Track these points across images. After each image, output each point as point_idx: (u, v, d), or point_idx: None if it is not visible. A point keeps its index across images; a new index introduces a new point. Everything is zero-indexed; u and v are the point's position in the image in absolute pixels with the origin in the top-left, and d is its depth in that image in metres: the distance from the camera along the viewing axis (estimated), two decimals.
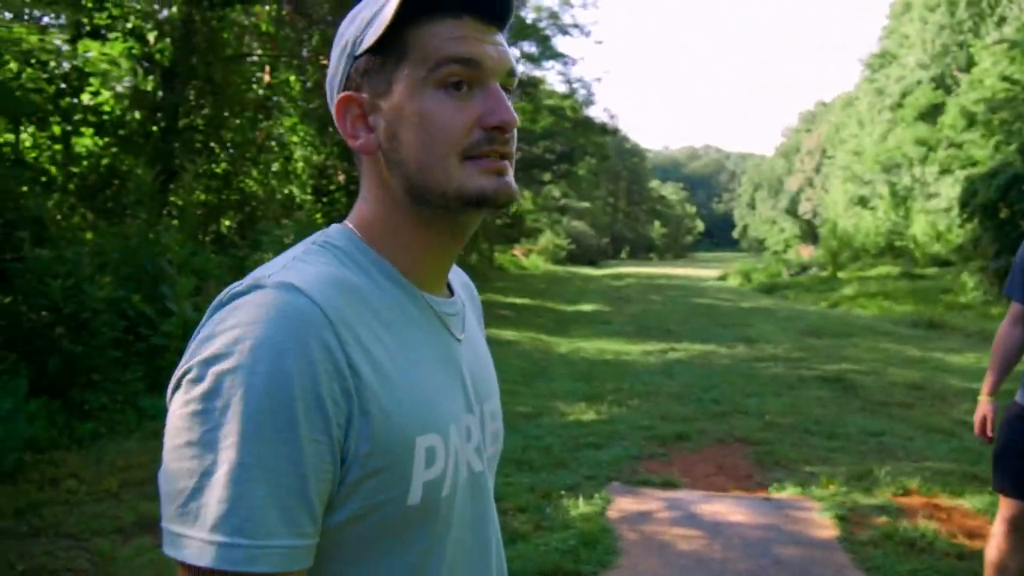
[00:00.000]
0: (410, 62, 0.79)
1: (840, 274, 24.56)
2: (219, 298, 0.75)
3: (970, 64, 25.47)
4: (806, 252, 38.86)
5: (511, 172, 0.82)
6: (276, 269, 0.76)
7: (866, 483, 4.74)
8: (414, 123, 0.79)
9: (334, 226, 0.86)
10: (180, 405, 0.70)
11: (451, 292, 0.93)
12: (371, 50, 0.80)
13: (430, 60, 0.78)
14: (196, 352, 0.71)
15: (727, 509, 4.33)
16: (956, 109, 22.46)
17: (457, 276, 0.99)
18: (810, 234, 52.75)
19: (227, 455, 0.67)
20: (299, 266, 0.77)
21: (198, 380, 0.69)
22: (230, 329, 0.70)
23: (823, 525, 4.10)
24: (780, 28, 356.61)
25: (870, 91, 36.71)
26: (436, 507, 0.79)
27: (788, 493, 4.62)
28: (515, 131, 0.83)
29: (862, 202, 34.75)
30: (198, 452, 0.68)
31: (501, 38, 0.84)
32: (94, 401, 5.42)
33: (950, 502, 4.46)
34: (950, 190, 23.20)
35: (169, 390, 0.74)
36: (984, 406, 2.81)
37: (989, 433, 2.77)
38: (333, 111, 0.84)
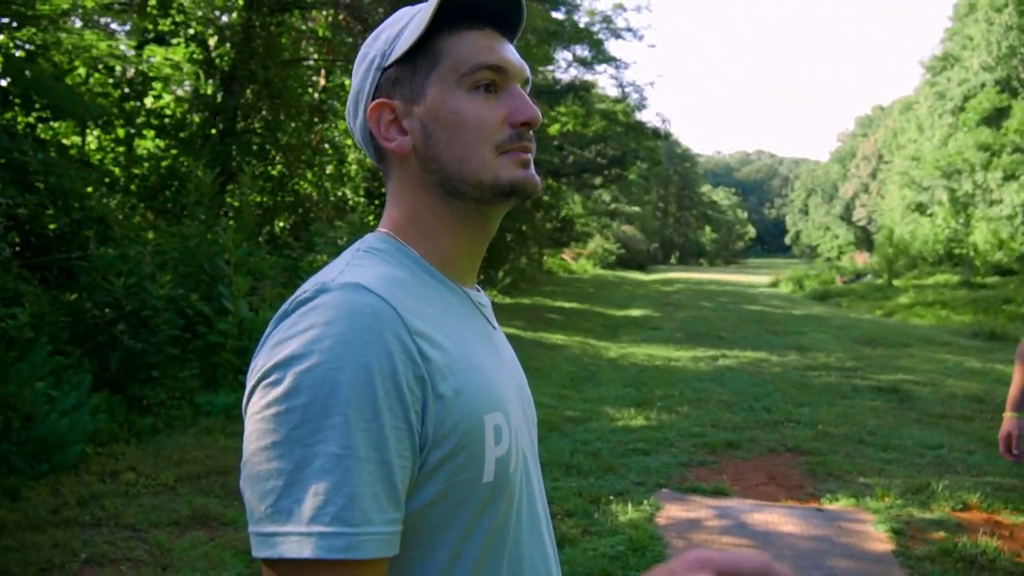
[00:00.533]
0: (442, 68, 0.86)
1: (896, 282, 24.01)
2: (284, 308, 0.78)
3: None
4: (860, 259, 38.07)
5: (532, 165, 0.90)
6: (335, 274, 0.80)
7: (923, 497, 4.62)
8: (451, 122, 0.86)
9: (370, 234, 0.91)
10: (261, 408, 0.72)
11: (477, 286, 0.99)
12: (400, 60, 0.87)
13: (463, 66, 0.86)
14: (271, 356, 0.73)
15: (778, 519, 4.26)
16: (1022, 113, 21.77)
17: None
18: (865, 241, 51.67)
19: (318, 449, 0.69)
20: (355, 269, 0.81)
21: (278, 382, 0.71)
22: (305, 331, 0.73)
23: (878, 539, 4.01)
24: (836, 31, 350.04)
25: (931, 95, 35.75)
26: (506, 483, 0.82)
27: (841, 505, 4.53)
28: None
29: (920, 208, 33.87)
30: (286, 450, 0.69)
31: (514, 50, 0.92)
32: (153, 396, 5.57)
33: (1013, 519, 4.32)
34: (1014, 196, 22.51)
35: (244, 399, 0.76)
36: (1009, 423, 2.67)
37: (1015, 451, 2.66)
38: (359, 122, 0.91)
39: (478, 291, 0.96)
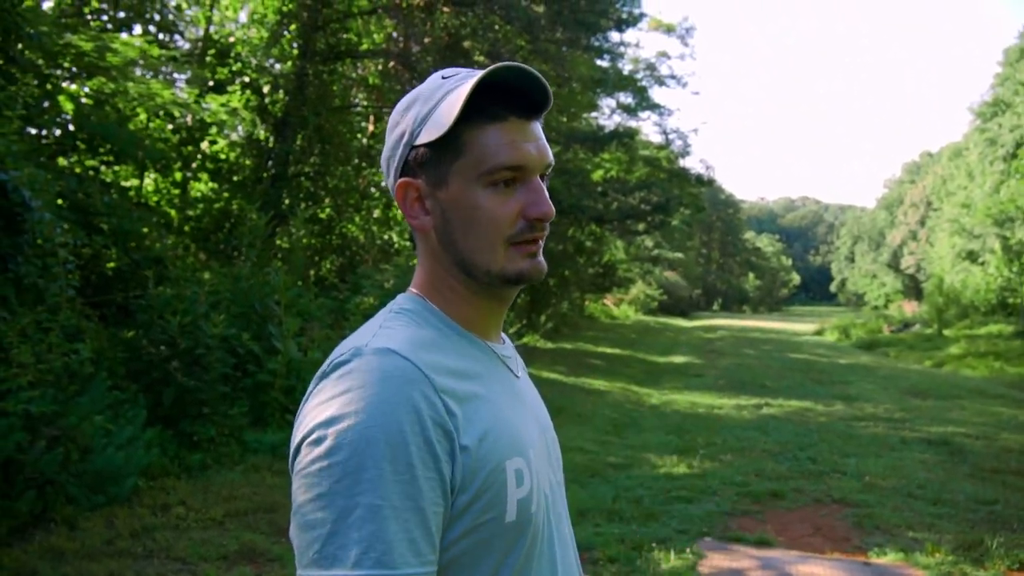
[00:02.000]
0: (464, 161, 0.92)
1: (946, 332, 23.47)
2: (323, 368, 0.88)
3: None
4: (909, 308, 37.31)
5: (541, 251, 0.96)
6: (369, 337, 0.89)
7: (976, 553, 4.51)
8: (468, 215, 0.93)
9: (401, 295, 1.00)
10: (306, 465, 0.81)
11: (503, 340, 1.06)
12: (428, 144, 0.93)
13: (483, 165, 0.91)
14: (314, 417, 0.82)
15: (824, 571, 4.19)
16: None
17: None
18: (913, 289, 50.67)
19: (358, 500, 0.77)
20: (387, 332, 0.90)
21: (321, 440, 0.80)
22: (343, 393, 0.82)
23: None
24: (881, 77, 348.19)
25: (981, 141, 35.22)
26: (528, 522, 0.89)
27: (890, 559, 4.43)
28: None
29: (971, 257, 33.16)
30: (330, 501, 0.78)
31: (539, 129, 0.96)
32: (203, 433, 5.70)
33: None
34: None
35: (290, 457, 0.85)
36: None
37: None
38: (392, 188, 0.98)
39: (503, 343, 1.04)
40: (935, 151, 61.22)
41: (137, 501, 4.64)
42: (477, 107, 0.91)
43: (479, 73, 0.90)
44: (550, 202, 0.94)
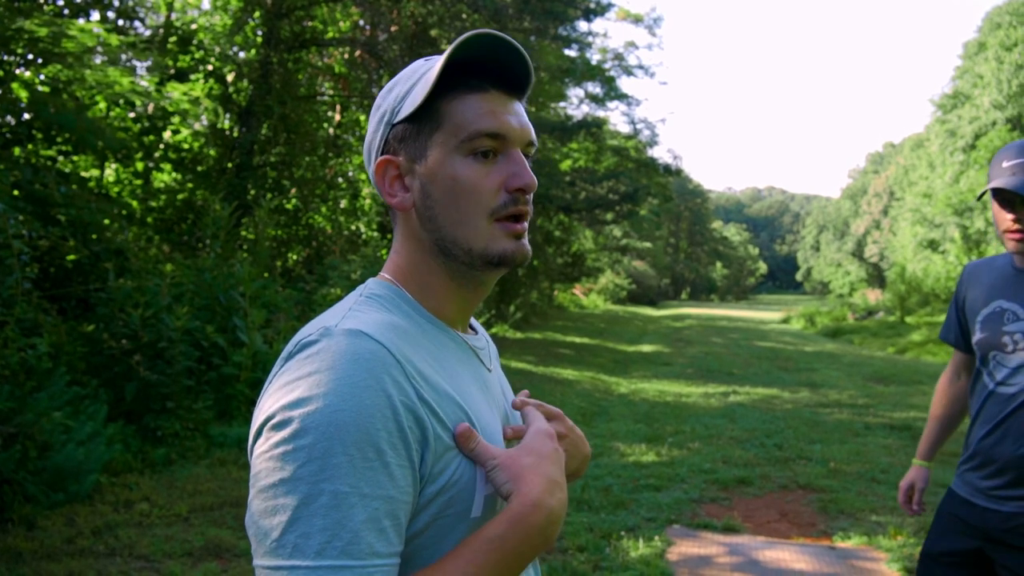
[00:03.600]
0: (443, 131, 0.90)
1: (908, 319, 23.88)
2: (288, 348, 0.83)
3: None
4: (872, 296, 37.91)
5: (526, 234, 0.93)
6: (339, 318, 0.84)
7: None
8: (448, 185, 0.89)
9: (372, 279, 0.96)
10: (267, 449, 0.76)
11: (474, 330, 1.03)
12: (407, 119, 0.91)
13: (462, 132, 0.89)
14: (278, 399, 0.78)
15: (790, 556, 4.24)
16: None
17: (478, 325, 1.09)
18: (877, 278, 51.52)
19: (324, 487, 0.73)
20: (356, 315, 0.85)
21: (285, 423, 0.76)
22: (310, 375, 0.77)
23: None
24: (846, 69, 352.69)
25: (941, 132, 35.85)
26: (492, 517, 0.85)
27: (854, 542, 4.50)
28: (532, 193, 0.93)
29: (932, 245, 33.80)
30: (293, 487, 0.73)
31: (521, 108, 0.95)
32: (167, 427, 5.61)
33: None
34: None
35: (250, 440, 0.81)
36: (914, 472, 2.34)
37: (915, 506, 2.32)
38: (372, 172, 0.95)
39: (476, 334, 1.01)
40: (898, 142, 62.30)
41: (99, 498, 4.56)
42: (458, 81, 0.89)
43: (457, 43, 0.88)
44: (532, 174, 0.91)
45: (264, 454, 0.76)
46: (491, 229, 0.90)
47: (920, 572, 2.14)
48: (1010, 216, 1.91)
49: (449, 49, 0.87)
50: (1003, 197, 1.92)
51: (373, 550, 0.73)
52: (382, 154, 0.93)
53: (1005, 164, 1.90)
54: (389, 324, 0.85)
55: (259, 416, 0.79)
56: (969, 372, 2.25)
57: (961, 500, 2.07)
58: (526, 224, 0.92)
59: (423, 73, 0.91)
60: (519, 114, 0.93)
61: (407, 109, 0.90)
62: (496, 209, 0.89)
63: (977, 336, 2.05)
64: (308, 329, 0.84)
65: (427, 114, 0.90)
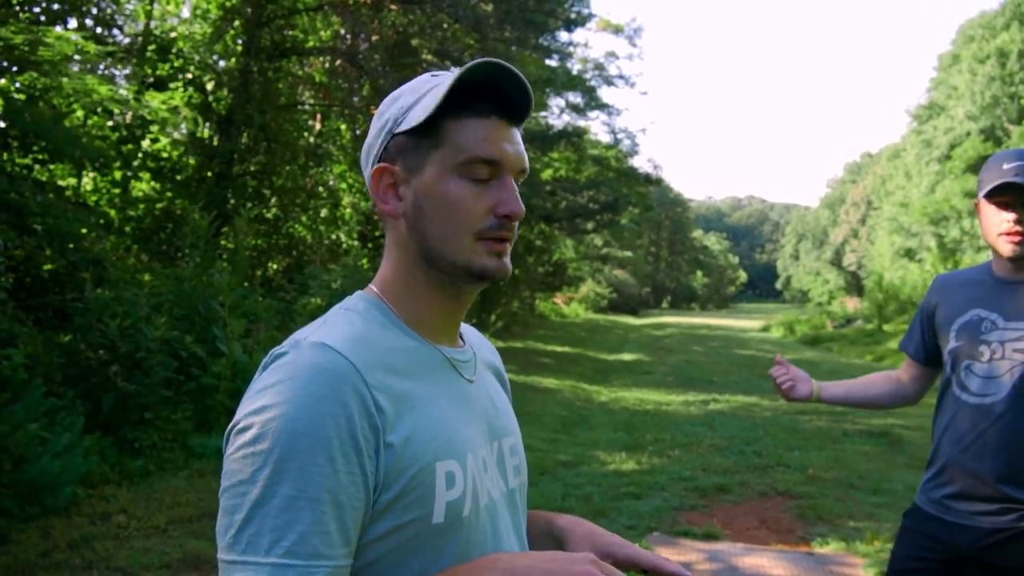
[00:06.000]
0: (442, 150, 0.93)
1: (886, 327, 24.13)
2: (265, 360, 0.89)
3: (1021, 116, 25.18)
4: (851, 304, 38.23)
5: (508, 253, 0.98)
6: (309, 333, 0.90)
7: None
8: (440, 202, 0.93)
9: (357, 293, 1.00)
10: (232, 451, 0.82)
11: (462, 342, 1.05)
12: (409, 132, 0.94)
13: (461, 155, 0.93)
14: (246, 406, 0.84)
15: (768, 563, 4.27)
16: None
17: (478, 337, 1.15)
18: (855, 286, 51.95)
19: (275, 490, 0.78)
20: (327, 328, 0.90)
21: (247, 429, 0.82)
22: (274, 384, 0.83)
23: None
24: (824, 79, 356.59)
25: (917, 143, 36.34)
26: (458, 525, 0.89)
27: (831, 548, 4.54)
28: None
29: (909, 254, 34.21)
30: (248, 488, 0.79)
31: (518, 136, 0.98)
32: (145, 439, 5.56)
33: None
34: None
35: (224, 444, 0.86)
36: (801, 375, 2.26)
37: (786, 388, 2.22)
38: (368, 176, 0.99)
39: (461, 346, 1.03)
40: (875, 152, 62.95)
41: (75, 511, 4.50)
42: (461, 103, 0.92)
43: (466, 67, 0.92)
44: (521, 203, 0.96)
45: (229, 456, 0.82)
46: (474, 245, 0.94)
47: None
48: (1011, 216, 1.88)
49: (459, 72, 0.91)
50: (1002, 199, 1.90)
51: (317, 552, 0.78)
52: (379, 161, 0.97)
53: (1006, 166, 1.88)
54: (357, 337, 0.89)
55: (232, 422, 0.85)
56: (915, 383, 2.22)
57: (928, 517, 2.01)
58: (509, 245, 0.97)
59: (429, 89, 0.95)
60: (516, 142, 0.97)
61: (410, 122, 0.93)
62: (482, 230, 0.93)
63: (952, 344, 2.00)
64: (285, 342, 0.90)
65: (429, 130, 0.93)
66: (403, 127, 0.94)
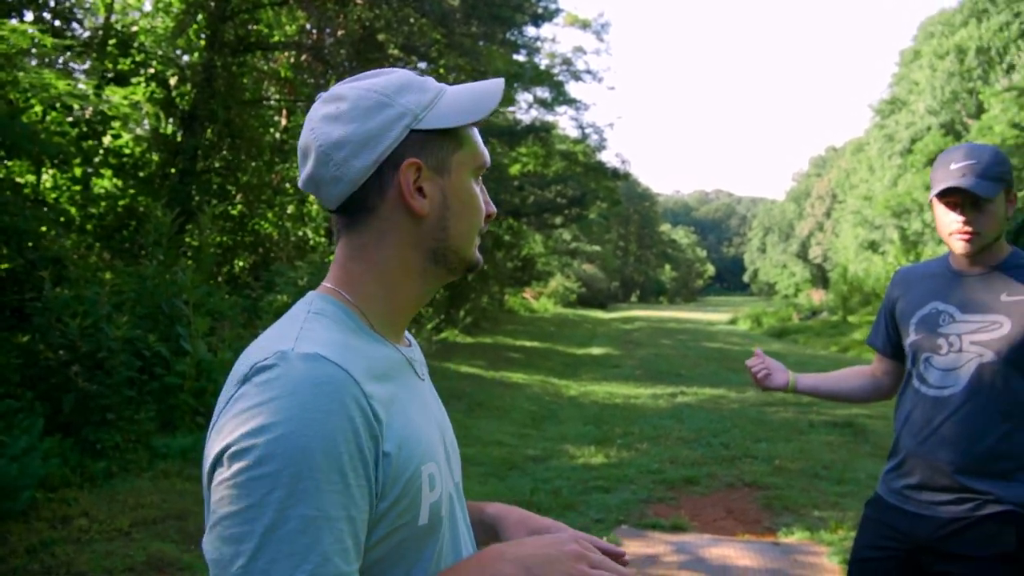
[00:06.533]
0: (463, 153, 0.97)
1: (850, 318, 24.48)
2: (242, 371, 0.83)
3: (979, 111, 25.69)
4: (817, 296, 38.78)
5: None
6: (292, 341, 0.84)
7: None
8: (466, 202, 0.98)
9: (315, 294, 0.96)
10: (230, 476, 0.77)
11: (408, 341, 1.05)
12: (432, 130, 0.95)
13: (478, 159, 0.99)
14: (239, 426, 0.78)
15: (735, 553, 4.32)
16: None
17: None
18: (820, 278, 52.70)
19: (290, 512, 0.74)
20: (310, 335, 0.86)
21: (249, 451, 0.76)
22: (271, 401, 0.78)
23: (830, 570, 4.09)
24: (790, 74, 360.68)
25: (880, 137, 36.93)
26: (439, 525, 0.90)
27: (797, 538, 4.60)
28: None
29: (872, 247, 34.77)
30: (259, 513, 0.74)
31: None
32: (107, 440, 5.46)
33: None
34: None
35: (207, 467, 0.81)
36: (776, 365, 2.38)
37: (761, 377, 2.36)
38: (361, 164, 0.91)
39: (410, 345, 1.03)
40: (839, 146, 63.82)
41: (34, 515, 4.41)
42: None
43: (485, 83, 1.00)
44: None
45: (227, 482, 0.76)
46: (475, 242, 1.01)
47: None
48: (960, 218, 1.90)
49: (492, 85, 0.98)
50: (951, 199, 1.93)
51: (340, 571, 0.76)
52: (403, 156, 0.93)
53: (953, 166, 1.90)
54: (341, 343, 0.86)
55: (217, 443, 0.79)
56: (889, 377, 2.25)
57: (889, 506, 2.05)
58: None
59: (439, 89, 0.97)
60: None
61: (440, 122, 0.94)
62: (481, 229, 1.01)
63: (912, 338, 2.04)
64: (259, 352, 0.84)
65: (451, 133, 0.96)
66: (428, 125, 0.94)
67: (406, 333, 1.05)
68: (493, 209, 1.03)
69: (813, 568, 4.13)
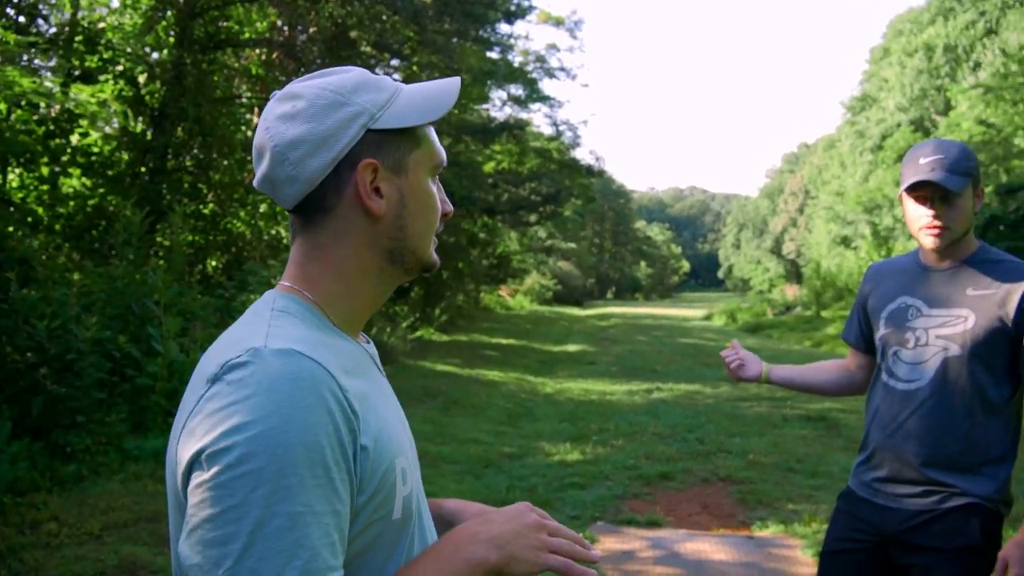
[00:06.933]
0: (420, 152, 0.97)
1: (824, 313, 24.75)
2: (211, 371, 0.81)
3: (947, 108, 26.05)
4: (790, 291, 39.14)
5: None
6: (263, 338, 0.83)
7: None
8: (423, 202, 0.97)
9: (275, 293, 0.94)
10: (211, 478, 0.75)
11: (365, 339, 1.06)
12: (388, 130, 0.94)
13: (435, 158, 0.99)
14: (215, 425, 0.76)
15: (710, 548, 4.35)
16: None
17: None
18: (794, 274, 53.19)
19: (276, 509, 0.73)
20: (280, 331, 0.84)
21: (229, 449, 0.75)
22: (247, 399, 0.77)
23: (804, 563, 4.13)
24: (763, 72, 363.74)
25: (851, 133, 37.31)
26: (410, 518, 0.90)
27: (771, 531, 4.65)
28: None
29: (845, 242, 35.14)
30: (244, 513, 0.73)
31: None
32: (77, 443, 5.38)
33: None
34: None
35: (182, 470, 0.78)
36: (750, 357, 2.44)
37: (735, 368, 2.44)
38: (317, 164, 0.90)
39: (367, 342, 1.03)
40: (812, 142, 64.41)
41: (2, 520, 4.34)
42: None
43: (441, 82, 0.99)
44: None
45: (206, 483, 0.75)
46: (431, 242, 1.00)
47: (821, 572, 2.15)
48: (930, 212, 1.92)
49: (455, 89, 0.98)
50: (921, 193, 1.94)
51: (328, 565, 0.76)
52: (357, 155, 0.91)
53: (922, 161, 1.92)
54: (312, 339, 0.86)
55: (192, 445, 0.77)
56: (862, 371, 2.25)
57: (859, 499, 2.07)
58: None
59: (396, 88, 0.96)
60: None
61: (397, 122, 0.93)
62: (437, 228, 1.00)
63: (881, 332, 2.06)
64: (228, 350, 0.82)
65: (409, 131, 0.95)
66: (385, 124, 0.92)
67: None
68: (450, 208, 1.02)
69: (787, 561, 4.17)
